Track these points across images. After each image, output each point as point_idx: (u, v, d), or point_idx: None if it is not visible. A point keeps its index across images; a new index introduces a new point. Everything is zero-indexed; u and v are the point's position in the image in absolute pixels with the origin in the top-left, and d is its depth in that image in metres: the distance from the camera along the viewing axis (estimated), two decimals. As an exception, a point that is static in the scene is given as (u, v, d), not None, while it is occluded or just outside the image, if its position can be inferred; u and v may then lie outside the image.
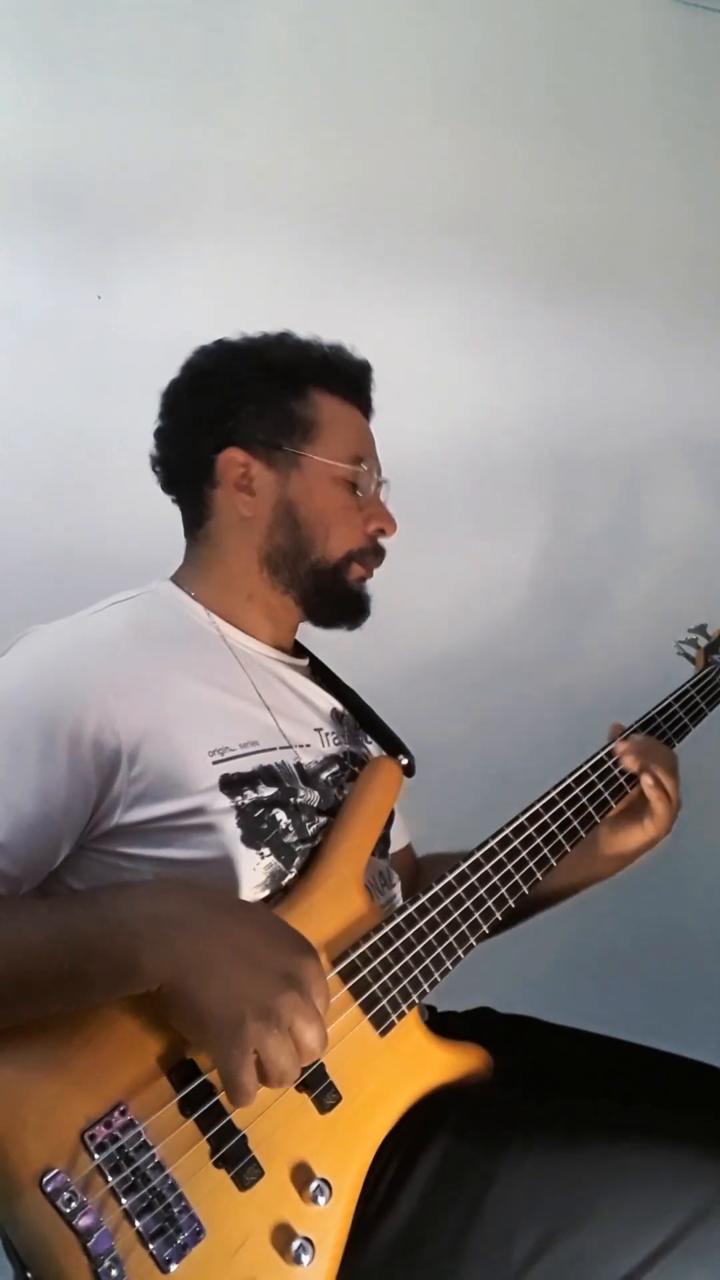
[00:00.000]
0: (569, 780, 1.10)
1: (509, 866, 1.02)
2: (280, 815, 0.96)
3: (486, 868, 1.01)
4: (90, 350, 1.66)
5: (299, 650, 1.16)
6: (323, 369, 1.09)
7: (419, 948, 0.94)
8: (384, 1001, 0.90)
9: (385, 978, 0.91)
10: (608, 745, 1.14)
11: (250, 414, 1.07)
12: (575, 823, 1.08)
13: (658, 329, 2.07)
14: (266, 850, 0.94)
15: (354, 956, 0.90)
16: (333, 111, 1.82)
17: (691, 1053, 1.09)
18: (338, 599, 1.09)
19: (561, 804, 1.08)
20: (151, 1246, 0.72)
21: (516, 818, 1.05)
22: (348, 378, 1.12)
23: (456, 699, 1.88)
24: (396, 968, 0.92)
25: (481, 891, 1.00)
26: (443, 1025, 0.96)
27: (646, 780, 1.10)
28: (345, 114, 1.83)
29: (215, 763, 0.93)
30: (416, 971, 0.93)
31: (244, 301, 1.67)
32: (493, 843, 1.03)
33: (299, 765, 1.01)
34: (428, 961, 0.94)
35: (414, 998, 0.92)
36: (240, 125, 1.74)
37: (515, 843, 1.04)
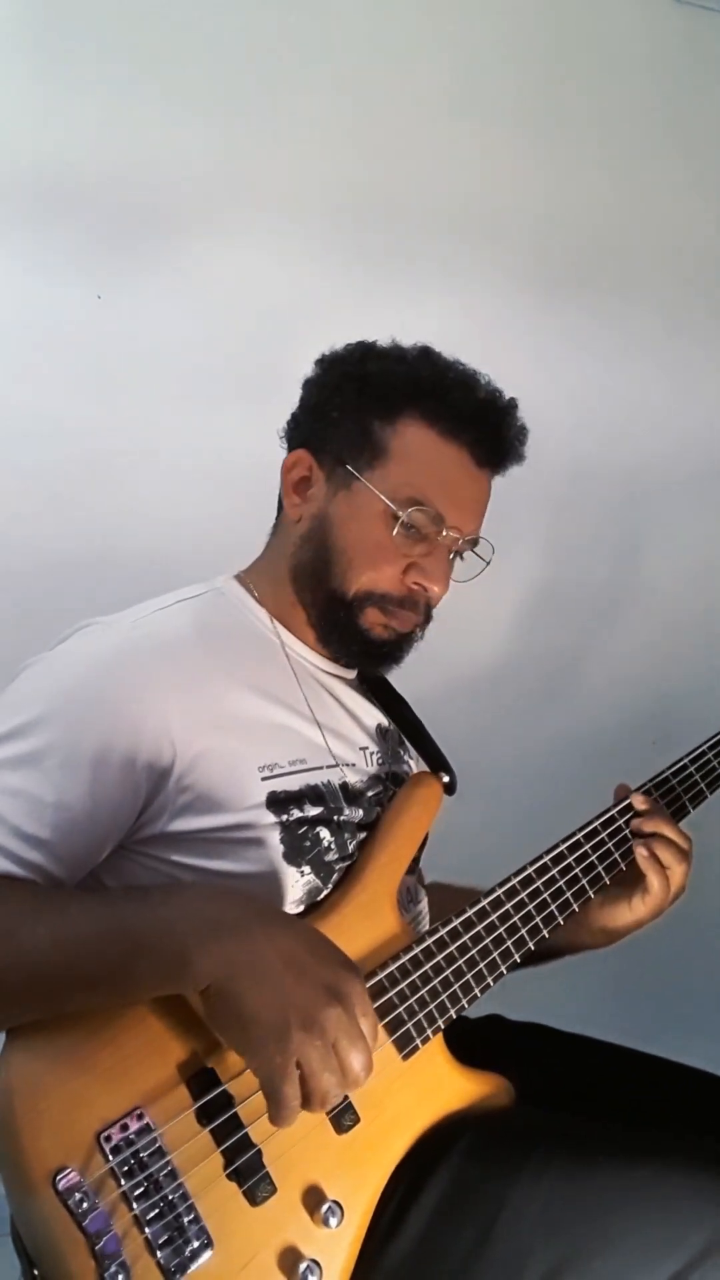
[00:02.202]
0: (595, 824, 1.07)
1: (545, 895, 1.01)
2: (324, 833, 0.95)
3: (523, 894, 0.99)
4: (90, 350, 1.66)
5: None
6: (432, 397, 0.99)
7: (448, 972, 0.92)
8: (409, 1025, 0.89)
9: (411, 1000, 0.90)
10: (618, 804, 1.09)
11: (331, 421, 1.02)
12: (616, 855, 1.06)
13: (661, 330, 2.04)
14: (307, 868, 0.93)
15: (381, 977, 0.89)
16: (333, 112, 1.80)
17: (698, 1060, 1.07)
18: (345, 637, 1.02)
19: (587, 847, 1.06)
20: (159, 1255, 0.71)
21: (555, 846, 1.04)
22: (462, 415, 0.99)
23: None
24: (424, 991, 0.91)
25: (516, 918, 0.98)
26: (454, 1033, 0.94)
27: (641, 853, 1.04)
28: (345, 114, 1.81)
29: (264, 779, 0.92)
30: (444, 996, 0.91)
31: (245, 301, 1.68)
32: (530, 870, 1.01)
33: (344, 785, 0.99)
34: (456, 987, 0.92)
35: (440, 1022, 0.91)
36: (241, 124, 1.73)
37: (553, 871, 1.02)
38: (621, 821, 1.08)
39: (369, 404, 1.00)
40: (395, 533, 0.98)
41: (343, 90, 1.81)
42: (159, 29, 1.69)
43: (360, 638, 1.02)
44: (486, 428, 1.01)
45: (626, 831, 1.08)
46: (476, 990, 0.94)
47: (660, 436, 2.05)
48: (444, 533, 1.00)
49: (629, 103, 2.00)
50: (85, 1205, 0.70)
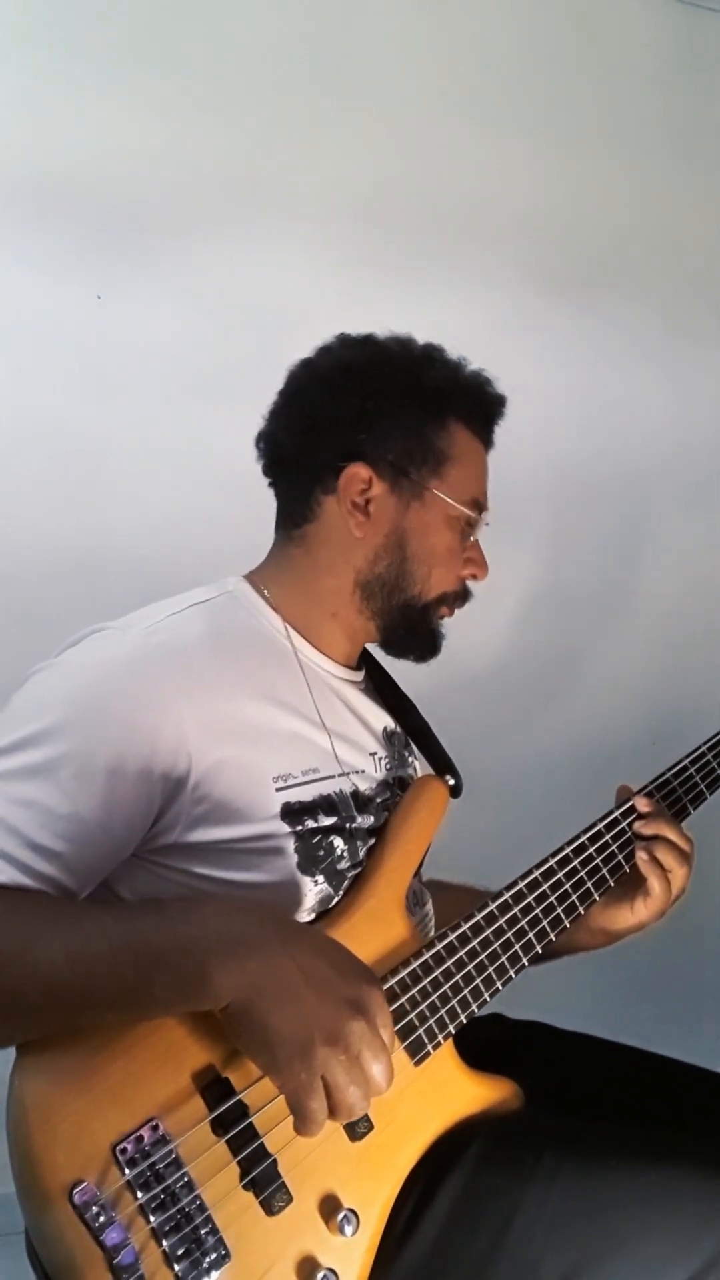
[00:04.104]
0: (599, 826, 1.07)
1: (552, 899, 1.01)
2: (337, 842, 0.94)
3: (530, 898, 0.99)
4: (90, 350, 1.66)
5: (359, 660, 1.12)
6: (466, 399, 1.04)
7: (458, 977, 0.92)
8: (420, 1030, 0.89)
9: (422, 1006, 0.89)
10: (620, 806, 1.09)
11: (385, 430, 1.01)
12: (620, 857, 1.06)
13: (662, 330, 2.06)
14: (320, 877, 0.93)
15: (392, 983, 0.89)
16: (335, 113, 1.80)
17: (699, 1059, 1.08)
18: (418, 637, 1.06)
19: (591, 849, 1.05)
20: (177, 1268, 0.71)
21: (560, 849, 1.04)
22: (486, 413, 1.07)
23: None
24: (434, 997, 0.90)
25: (523, 922, 0.98)
26: (456, 1033, 0.93)
27: (642, 856, 1.04)
28: (347, 115, 1.81)
29: (279, 790, 0.91)
30: (454, 1002, 0.91)
31: (245, 301, 1.69)
32: (537, 873, 1.01)
33: (355, 793, 0.99)
34: (466, 992, 0.92)
35: (450, 1027, 0.91)
36: (242, 124, 1.73)
37: (559, 875, 1.02)
38: (625, 824, 1.08)
39: (421, 410, 1.02)
40: (461, 533, 1.04)
41: (344, 91, 1.81)
42: (160, 29, 1.68)
43: (430, 635, 1.07)
44: (495, 422, 1.09)
45: (630, 834, 1.08)
46: (486, 994, 0.94)
47: (661, 436, 2.06)
48: (483, 524, 1.07)
49: (631, 103, 2.01)
50: (102, 1219, 0.70)
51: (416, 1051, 0.88)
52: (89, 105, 1.64)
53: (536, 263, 1.95)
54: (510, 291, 1.91)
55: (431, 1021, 0.89)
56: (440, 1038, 0.90)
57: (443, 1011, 0.90)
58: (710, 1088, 1.05)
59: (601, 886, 1.04)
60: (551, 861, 1.02)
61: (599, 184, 1.99)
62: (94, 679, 0.88)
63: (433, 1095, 0.90)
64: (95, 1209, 0.70)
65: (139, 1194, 0.71)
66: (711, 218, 2.08)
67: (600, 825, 1.07)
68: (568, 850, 1.04)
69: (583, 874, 1.03)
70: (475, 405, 1.05)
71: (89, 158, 1.64)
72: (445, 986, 0.91)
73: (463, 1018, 0.92)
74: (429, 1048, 0.89)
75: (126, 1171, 0.72)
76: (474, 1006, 0.93)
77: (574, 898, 1.02)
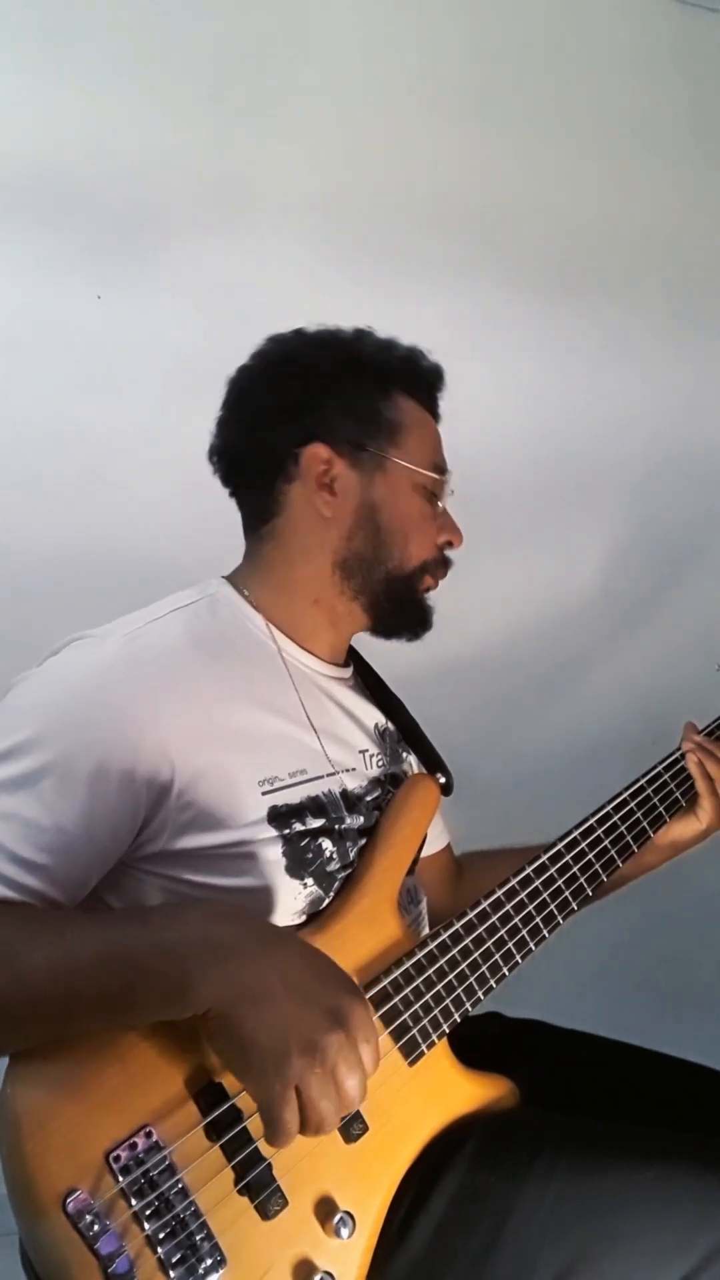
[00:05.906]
0: (625, 794, 1.10)
1: (545, 895, 1.00)
2: (326, 844, 0.94)
3: (522, 895, 0.99)
4: (90, 350, 1.66)
5: (347, 658, 1.12)
6: (405, 371, 1.06)
7: (451, 976, 0.92)
8: (414, 1031, 0.89)
9: (416, 1006, 0.89)
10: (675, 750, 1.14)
11: (334, 409, 1.02)
12: (629, 837, 1.08)
13: (662, 330, 2.06)
14: (310, 880, 0.92)
15: (385, 983, 0.89)
16: (331, 112, 1.80)
17: (697, 1056, 1.08)
18: (406, 609, 1.06)
19: (616, 818, 1.08)
20: (172, 1274, 0.71)
21: (554, 844, 1.03)
22: (426, 383, 1.08)
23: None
24: (428, 996, 0.90)
25: (516, 920, 0.98)
26: (453, 1032, 0.93)
27: (692, 760, 1.12)
28: (344, 114, 1.81)
29: (264, 793, 0.91)
30: (448, 1001, 0.91)
31: (244, 301, 1.68)
32: (529, 869, 1.01)
33: (344, 792, 0.98)
34: (459, 991, 0.92)
35: (444, 1027, 0.91)
36: (239, 124, 1.73)
37: (551, 870, 1.02)
38: (634, 804, 1.09)
39: (368, 386, 1.03)
40: (429, 499, 1.05)
41: (344, 91, 1.80)
42: (160, 30, 1.67)
43: (419, 607, 1.07)
44: (438, 393, 1.11)
45: (623, 828, 1.08)
46: (480, 993, 0.94)
47: (662, 434, 2.05)
48: (448, 489, 1.08)
49: (627, 102, 2.00)
50: (96, 1227, 0.69)
51: (410, 1051, 0.88)
52: (88, 106, 1.63)
53: (535, 263, 1.94)
54: (511, 292, 1.90)
55: (425, 1021, 0.89)
56: (434, 1037, 0.90)
57: (436, 1011, 0.90)
58: (707, 1085, 1.05)
59: (595, 881, 1.04)
60: (544, 858, 1.02)
61: (596, 183, 1.98)
62: (73, 689, 0.88)
63: (427, 1095, 0.90)
64: (89, 1217, 0.69)
65: (133, 1201, 0.71)
66: (711, 217, 2.07)
67: (609, 807, 1.08)
68: (559, 846, 1.04)
69: (575, 870, 1.03)
70: (416, 377, 1.07)
71: (89, 158, 1.64)
72: (438, 986, 0.91)
73: (456, 1016, 0.92)
74: (423, 1047, 0.89)
75: (120, 1179, 0.71)
76: (467, 1005, 0.93)
77: (567, 894, 1.02)
